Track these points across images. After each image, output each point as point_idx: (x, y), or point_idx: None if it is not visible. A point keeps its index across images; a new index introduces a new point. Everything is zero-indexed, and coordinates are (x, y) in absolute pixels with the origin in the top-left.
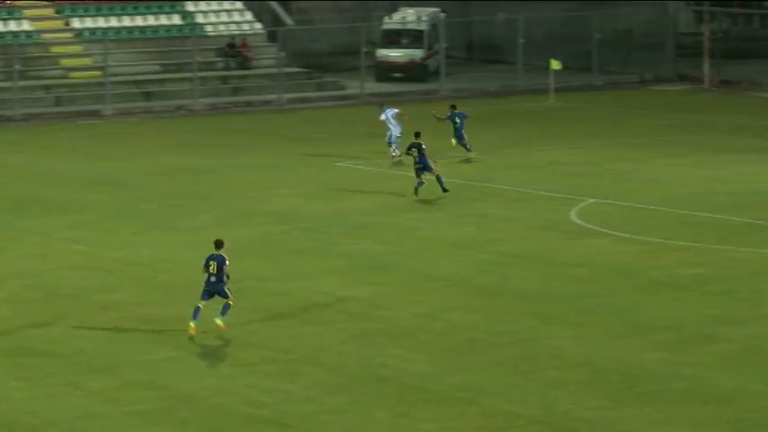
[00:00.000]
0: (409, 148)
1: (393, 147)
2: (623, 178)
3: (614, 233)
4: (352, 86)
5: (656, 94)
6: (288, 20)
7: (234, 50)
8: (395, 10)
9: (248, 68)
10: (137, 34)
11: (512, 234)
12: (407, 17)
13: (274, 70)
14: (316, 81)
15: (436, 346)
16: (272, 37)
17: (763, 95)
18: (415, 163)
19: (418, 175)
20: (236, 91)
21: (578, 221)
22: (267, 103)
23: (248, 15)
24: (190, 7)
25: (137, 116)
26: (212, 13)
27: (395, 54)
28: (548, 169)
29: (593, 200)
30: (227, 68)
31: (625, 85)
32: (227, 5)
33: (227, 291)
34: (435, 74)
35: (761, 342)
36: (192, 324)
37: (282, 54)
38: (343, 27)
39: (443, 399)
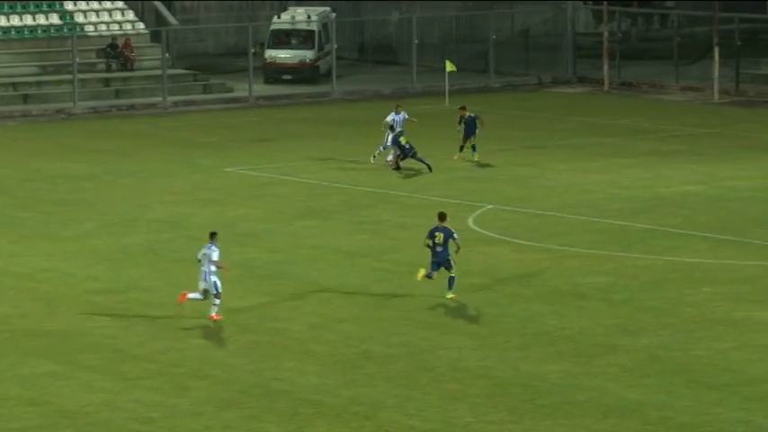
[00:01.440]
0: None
1: (382, 151)
2: (522, 184)
3: (514, 240)
4: (241, 89)
5: (554, 97)
6: (172, 19)
7: (116, 51)
8: (284, 9)
9: (131, 70)
10: (13, 35)
11: (408, 242)
12: (297, 17)
13: (158, 72)
14: (202, 83)
15: (330, 358)
16: (155, 37)
17: (663, 97)
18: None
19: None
20: (118, 93)
21: (476, 228)
22: (151, 106)
23: (130, 15)
24: (69, 6)
25: (14, 120)
26: (92, 13)
27: (284, 55)
28: (444, 174)
29: (491, 206)
30: (108, 70)
31: (523, 87)
32: (107, 5)
33: (451, 262)
34: (327, 76)
35: (663, 352)
36: (451, 295)
37: (167, 55)
38: (230, 27)
39: (339, 413)
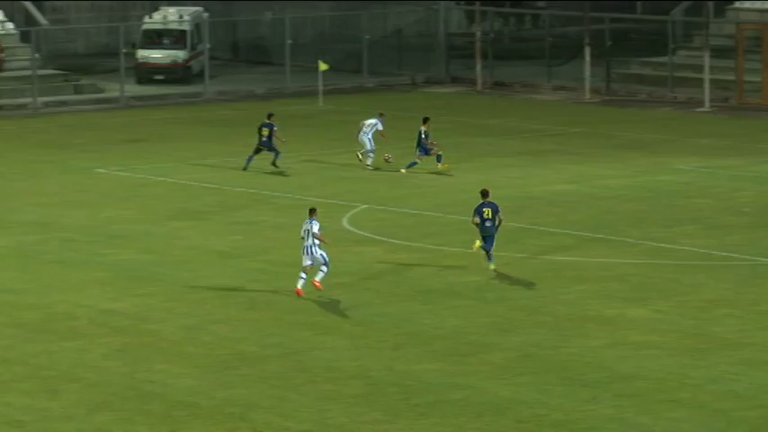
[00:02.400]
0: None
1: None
2: (396, 184)
3: (388, 240)
4: (112, 89)
5: (428, 97)
6: (42, 19)
7: None
8: (155, 9)
9: (0, 71)
10: None
11: (283, 242)
12: (169, 17)
13: (28, 72)
14: (73, 84)
15: (204, 359)
16: (25, 37)
17: (535, 97)
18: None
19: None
20: None
21: (351, 228)
22: (21, 107)
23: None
24: None
25: None
26: None
27: (156, 55)
28: (318, 174)
29: (365, 206)
30: None
31: (397, 87)
32: None
33: (495, 235)
34: (199, 76)
35: (537, 350)
36: (492, 266)
37: (37, 55)
38: (101, 27)
39: (213, 414)
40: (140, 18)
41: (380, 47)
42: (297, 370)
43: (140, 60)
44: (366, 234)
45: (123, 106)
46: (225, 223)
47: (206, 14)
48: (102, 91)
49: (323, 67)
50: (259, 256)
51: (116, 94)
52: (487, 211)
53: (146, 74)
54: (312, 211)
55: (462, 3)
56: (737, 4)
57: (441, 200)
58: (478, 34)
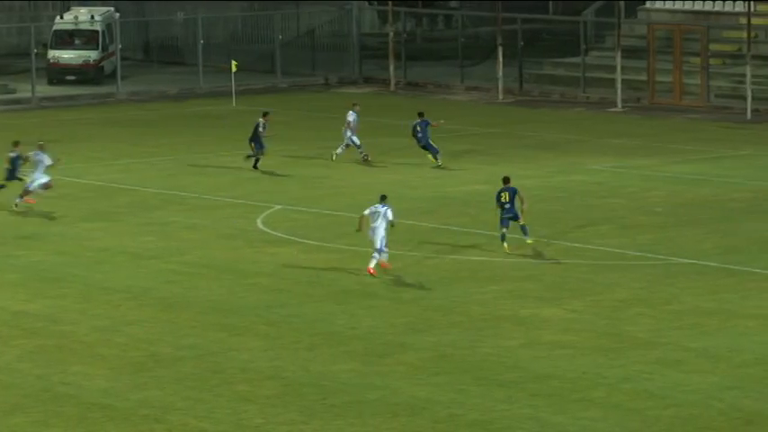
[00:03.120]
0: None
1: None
2: (311, 184)
3: (303, 241)
4: (23, 90)
5: (341, 97)
6: None
7: None
8: (67, 9)
9: None
10: None
11: (196, 243)
12: (80, 17)
13: None
14: None
15: (118, 361)
16: None
17: (448, 97)
18: (503, 211)
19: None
20: None
21: (265, 229)
22: None
23: None
24: None
25: None
26: None
27: (68, 56)
28: (232, 175)
29: (279, 206)
30: None
31: (310, 88)
32: None
33: (519, 214)
34: (111, 76)
35: (452, 350)
36: (505, 245)
37: None
38: (12, 27)
39: (128, 416)
40: (51, 18)
41: (293, 47)
42: (212, 371)
43: (52, 61)
44: (280, 235)
45: (35, 107)
46: (138, 224)
47: (117, 15)
48: (13, 92)
49: (233, 67)
50: (172, 257)
51: (27, 94)
52: (505, 195)
53: (57, 74)
54: (384, 198)
55: (375, 3)
56: (648, 5)
57: (355, 200)
58: (391, 34)
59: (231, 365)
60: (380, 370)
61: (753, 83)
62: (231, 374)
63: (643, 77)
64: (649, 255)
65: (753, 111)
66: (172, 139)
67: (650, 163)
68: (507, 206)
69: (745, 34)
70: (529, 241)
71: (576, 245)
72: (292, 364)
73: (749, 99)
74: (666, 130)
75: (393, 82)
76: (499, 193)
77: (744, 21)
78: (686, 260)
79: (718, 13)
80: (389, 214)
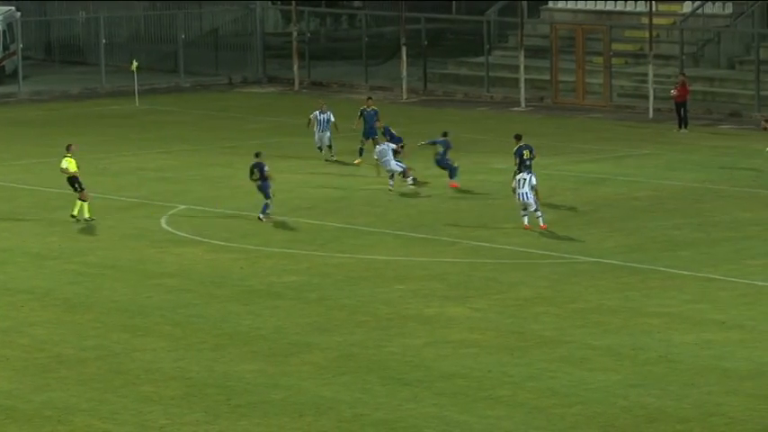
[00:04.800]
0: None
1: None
2: (215, 184)
3: (208, 241)
4: None
5: (245, 97)
6: None
7: None
8: None
9: None
10: None
11: (100, 243)
12: None
13: None
14: None
15: (21, 362)
16: None
17: (353, 97)
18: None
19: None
20: None
21: (169, 229)
22: None
23: None
24: None
25: None
26: None
27: None
28: (135, 175)
29: (184, 206)
30: None
31: (213, 87)
32: None
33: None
34: (13, 76)
35: (358, 350)
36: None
37: None
38: None
39: (31, 417)
40: None
41: (197, 47)
42: (116, 372)
43: None
44: (185, 235)
45: None
46: (40, 224)
47: (18, 14)
48: None
49: (133, 66)
50: (75, 257)
51: None
52: (527, 153)
53: None
54: (529, 167)
55: (279, 3)
56: (551, 5)
57: (259, 199)
58: (295, 34)
59: (135, 366)
60: (286, 370)
61: (654, 82)
62: (135, 375)
63: (546, 77)
64: (554, 253)
65: (655, 110)
66: (74, 139)
67: (554, 162)
68: (528, 163)
69: (646, 34)
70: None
71: (482, 244)
72: (197, 365)
73: (651, 98)
74: (570, 130)
75: (297, 81)
76: (520, 151)
77: (645, 20)
78: (590, 258)
79: (620, 13)
80: (534, 180)
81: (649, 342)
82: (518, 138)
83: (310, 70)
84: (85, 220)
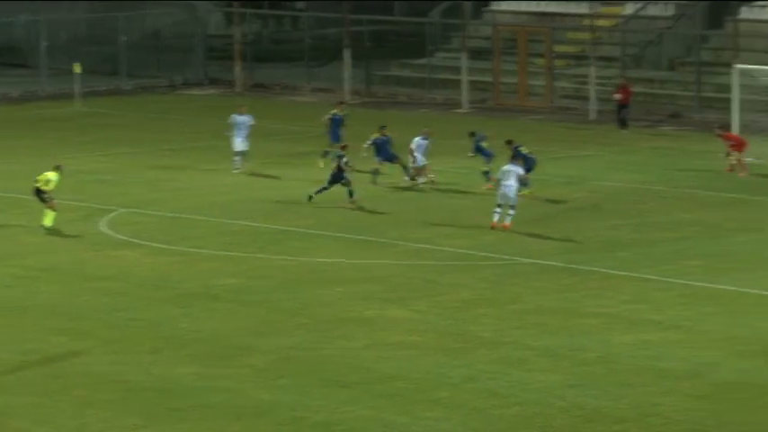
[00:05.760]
0: None
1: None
2: (154, 186)
3: (147, 243)
4: None
5: (186, 99)
6: None
7: None
8: None
9: None
10: None
11: (37, 246)
12: None
13: None
14: None
15: None
16: None
17: (295, 99)
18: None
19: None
20: None
21: (108, 232)
22: None
23: None
24: None
25: None
26: None
27: None
28: (74, 178)
29: (123, 209)
30: None
31: (155, 90)
32: None
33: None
34: None
35: (297, 352)
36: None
37: None
38: None
39: None
40: None
41: (138, 49)
42: (53, 376)
43: None
44: (124, 237)
45: None
46: None
47: None
48: None
49: (76, 69)
50: (13, 260)
51: None
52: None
53: None
54: (515, 158)
55: (221, 4)
56: (494, 6)
57: (199, 202)
58: (237, 36)
59: (72, 370)
60: (224, 373)
61: (596, 84)
62: (72, 379)
63: (489, 79)
64: (494, 255)
65: (596, 111)
66: (13, 142)
67: (495, 164)
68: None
69: (588, 36)
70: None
71: (422, 246)
72: (135, 368)
73: (592, 100)
74: (511, 131)
75: (239, 83)
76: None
77: (588, 22)
78: (530, 260)
79: (562, 15)
80: (521, 171)
81: (587, 343)
82: (509, 143)
83: (252, 72)
84: (45, 227)
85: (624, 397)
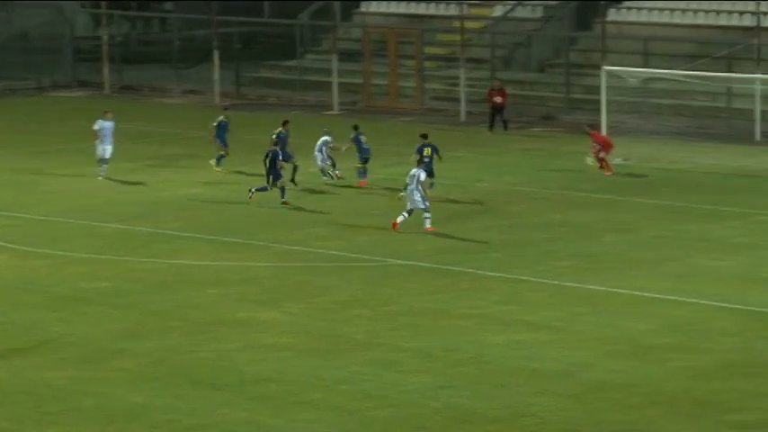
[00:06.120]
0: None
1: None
2: (22, 190)
3: (15, 247)
4: None
5: (55, 101)
6: None
7: None
8: None
9: None
10: None
11: None
12: None
13: None
14: None
15: None
16: None
17: (165, 101)
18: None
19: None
20: None
21: None
22: None
23: None
24: None
25: None
26: None
27: None
28: None
29: None
30: None
31: (22, 92)
32: None
33: (434, 171)
34: None
35: (170, 355)
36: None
37: None
38: None
39: None
40: None
41: (5, 50)
42: None
43: None
44: None
45: None
46: None
47: None
48: None
49: None
50: None
51: None
52: (428, 150)
53: None
54: (419, 162)
55: (88, 6)
56: (363, 8)
57: (68, 205)
58: (105, 37)
59: None
60: (96, 376)
61: (466, 85)
62: None
63: (359, 80)
64: (366, 256)
65: (466, 113)
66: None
67: (370, 165)
68: (427, 160)
69: (458, 37)
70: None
71: (295, 247)
72: (5, 372)
73: (463, 101)
74: (382, 133)
75: (108, 85)
76: (421, 148)
77: (457, 24)
78: (402, 261)
79: (431, 17)
80: (423, 176)
81: (460, 343)
82: (423, 137)
83: (121, 74)
84: None
85: (497, 397)
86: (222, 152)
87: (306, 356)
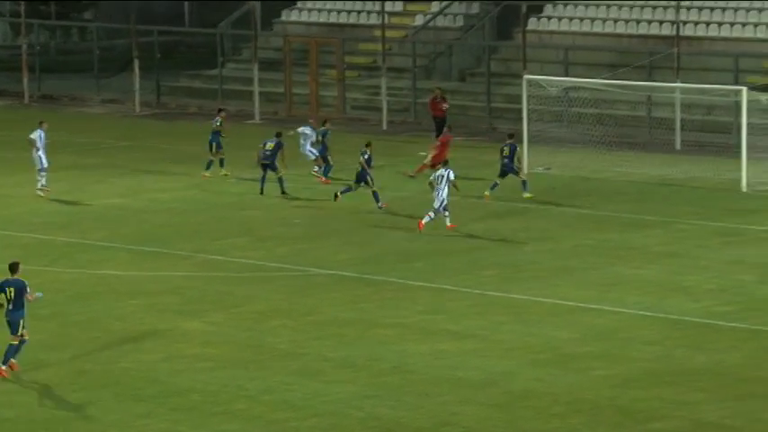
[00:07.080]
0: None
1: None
2: None
3: None
4: None
5: None
6: None
7: None
8: None
9: None
10: None
11: None
12: None
13: None
14: None
15: None
16: None
17: (84, 110)
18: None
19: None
20: None
21: None
22: None
23: None
24: None
25: None
26: None
27: None
28: None
29: None
30: None
31: None
32: None
33: (516, 169)
34: None
35: (91, 366)
36: (487, 193)
37: None
38: None
39: None
40: None
41: None
42: None
43: None
44: None
45: None
46: None
47: None
48: None
49: None
50: None
51: None
52: (506, 150)
53: None
54: (446, 162)
55: (7, 15)
56: (284, 17)
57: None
58: (24, 47)
59: None
60: (16, 388)
61: (388, 94)
62: None
63: (280, 90)
64: (288, 266)
65: (388, 122)
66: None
67: (287, 175)
68: (506, 160)
69: (379, 47)
70: (526, 195)
71: (216, 257)
72: None
73: (384, 110)
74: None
75: (27, 95)
76: (503, 147)
77: (379, 33)
78: (325, 271)
79: (353, 26)
80: (452, 176)
81: (384, 353)
82: (510, 136)
83: (40, 83)
84: None
85: (421, 407)
86: (220, 156)
87: (229, 367)
